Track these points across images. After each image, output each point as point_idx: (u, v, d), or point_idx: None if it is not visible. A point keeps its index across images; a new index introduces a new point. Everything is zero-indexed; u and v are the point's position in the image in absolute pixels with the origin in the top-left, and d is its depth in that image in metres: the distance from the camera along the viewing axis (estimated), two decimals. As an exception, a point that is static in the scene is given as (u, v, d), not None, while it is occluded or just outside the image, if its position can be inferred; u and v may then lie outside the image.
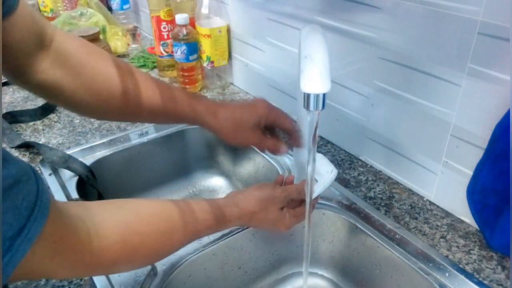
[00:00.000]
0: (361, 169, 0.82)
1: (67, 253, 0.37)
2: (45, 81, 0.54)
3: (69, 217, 0.38)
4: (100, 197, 0.84)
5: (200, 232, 0.53)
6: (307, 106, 0.49)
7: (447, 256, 0.62)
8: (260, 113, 0.65)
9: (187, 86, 1.11)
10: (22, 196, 0.31)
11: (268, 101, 0.67)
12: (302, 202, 0.62)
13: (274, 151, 0.67)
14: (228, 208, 0.56)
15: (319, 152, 0.68)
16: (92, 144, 0.90)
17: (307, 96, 0.47)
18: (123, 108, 0.59)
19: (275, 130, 0.69)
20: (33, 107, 1.03)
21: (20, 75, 0.53)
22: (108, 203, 0.47)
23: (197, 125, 0.66)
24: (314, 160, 0.56)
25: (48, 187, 0.77)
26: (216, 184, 1.04)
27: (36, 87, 0.55)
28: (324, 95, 0.45)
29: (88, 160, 0.86)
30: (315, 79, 0.45)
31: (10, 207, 0.29)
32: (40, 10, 1.54)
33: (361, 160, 0.84)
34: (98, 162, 0.87)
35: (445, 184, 0.69)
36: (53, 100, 0.60)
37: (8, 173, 0.29)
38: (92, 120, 1.00)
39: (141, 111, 0.61)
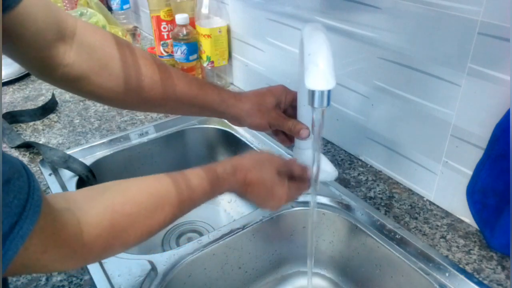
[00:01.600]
0: (361, 169, 0.82)
1: (58, 247, 0.37)
2: (70, 74, 0.54)
3: (58, 210, 0.38)
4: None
5: (195, 199, 0.52)
6: (312, 103, 0.48)
7: (447, 256, 0.62)
8: (279, 93, 0.66)
9: (187, 86, 1.11)
10: (13, 194, 0.30)
11: (284, 85, 0.68)
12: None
13: (295, 134, 0.64)
14: (221, 167, 0.55)
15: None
16: (92, 144, 0.90)
17: (312, 93, 0.47)
18: (151, 97, 0.60)
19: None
20: (33, 107, 1.03)
21: (44, 68, 0.53)
22: (94, 189, 0.46)
23: (221, 112, 0.66)
24: (319, 158, 0.56)
25: (48, 186, 0.77)
26: (216, 184, 1.04)
27: (61, 80, 0.55)
28: (329, 91, 0.46)
29: (88, 160, 0.86)
30: (320, 76, 0.45)
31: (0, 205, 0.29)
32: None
33: (361, 160, 0.84)
34: (98, 162, 0.87)
35: (445, 184, 0.69)
36: (77, 92, 0.61)
37: None
38: (92, 120, 1.00)
39: (170, 99, 0.61)
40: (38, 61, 0.52)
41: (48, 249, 0.36)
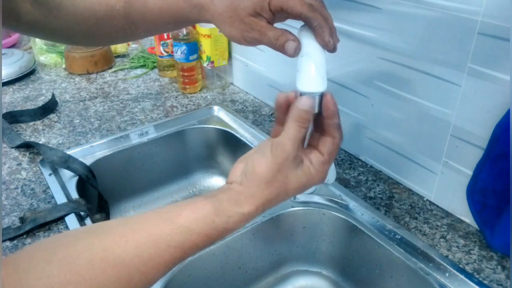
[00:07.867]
0: (361, 169, 0.82)
1: None
2: (33, 22, 0.56)
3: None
4: (100, 197, 0.84)
5: (183, 255, 0.41)
6: None
7: (447, 256, 0.62)
8: None
9: (187, 86, 1.11)
10: None
11: None
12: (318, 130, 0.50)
13: (280, 44, 0.48)
14: (220, 217, 0.41)
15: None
16: (92, 144, 0.90)
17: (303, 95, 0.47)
18: (117, 23, 0.59)
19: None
20: (33, 107, 1.03)
21: (11, 19, 0.55)
22: (42, 250, 0.37)
23: (193, 19, 0.57)
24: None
25: (48, 186, 0.77)
26: (216, 184, 1.04)
27: (30, 29, 0.58)
28: (321, 94, 0.46)
29: (88, 160, 0.86)
30: (311, 78, 0.45)
31: None
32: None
33: (361, 160, 0.84)
34: (98, 162, 0.87)
35: (445, 184, 0.69)
36: (52, 39, 0.64)
37: None
38: (92, 120, 1.00)
39: (135, 19, 0.59)
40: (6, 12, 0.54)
41: None
